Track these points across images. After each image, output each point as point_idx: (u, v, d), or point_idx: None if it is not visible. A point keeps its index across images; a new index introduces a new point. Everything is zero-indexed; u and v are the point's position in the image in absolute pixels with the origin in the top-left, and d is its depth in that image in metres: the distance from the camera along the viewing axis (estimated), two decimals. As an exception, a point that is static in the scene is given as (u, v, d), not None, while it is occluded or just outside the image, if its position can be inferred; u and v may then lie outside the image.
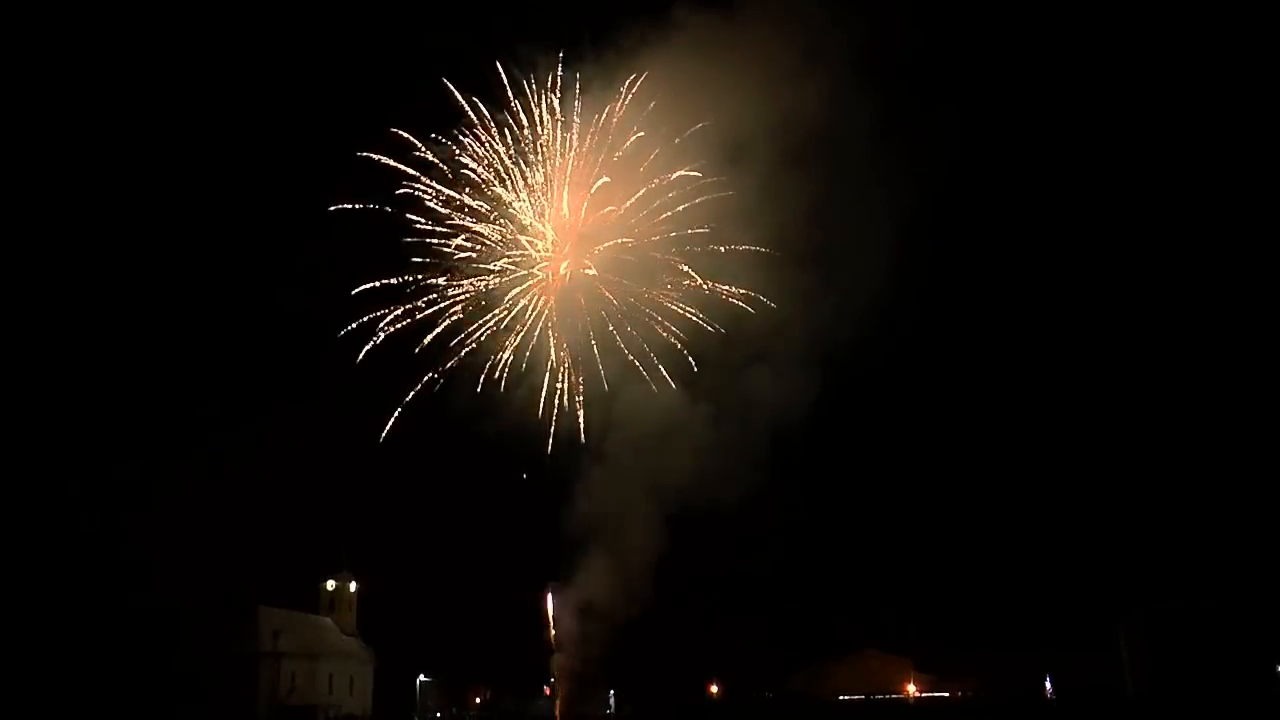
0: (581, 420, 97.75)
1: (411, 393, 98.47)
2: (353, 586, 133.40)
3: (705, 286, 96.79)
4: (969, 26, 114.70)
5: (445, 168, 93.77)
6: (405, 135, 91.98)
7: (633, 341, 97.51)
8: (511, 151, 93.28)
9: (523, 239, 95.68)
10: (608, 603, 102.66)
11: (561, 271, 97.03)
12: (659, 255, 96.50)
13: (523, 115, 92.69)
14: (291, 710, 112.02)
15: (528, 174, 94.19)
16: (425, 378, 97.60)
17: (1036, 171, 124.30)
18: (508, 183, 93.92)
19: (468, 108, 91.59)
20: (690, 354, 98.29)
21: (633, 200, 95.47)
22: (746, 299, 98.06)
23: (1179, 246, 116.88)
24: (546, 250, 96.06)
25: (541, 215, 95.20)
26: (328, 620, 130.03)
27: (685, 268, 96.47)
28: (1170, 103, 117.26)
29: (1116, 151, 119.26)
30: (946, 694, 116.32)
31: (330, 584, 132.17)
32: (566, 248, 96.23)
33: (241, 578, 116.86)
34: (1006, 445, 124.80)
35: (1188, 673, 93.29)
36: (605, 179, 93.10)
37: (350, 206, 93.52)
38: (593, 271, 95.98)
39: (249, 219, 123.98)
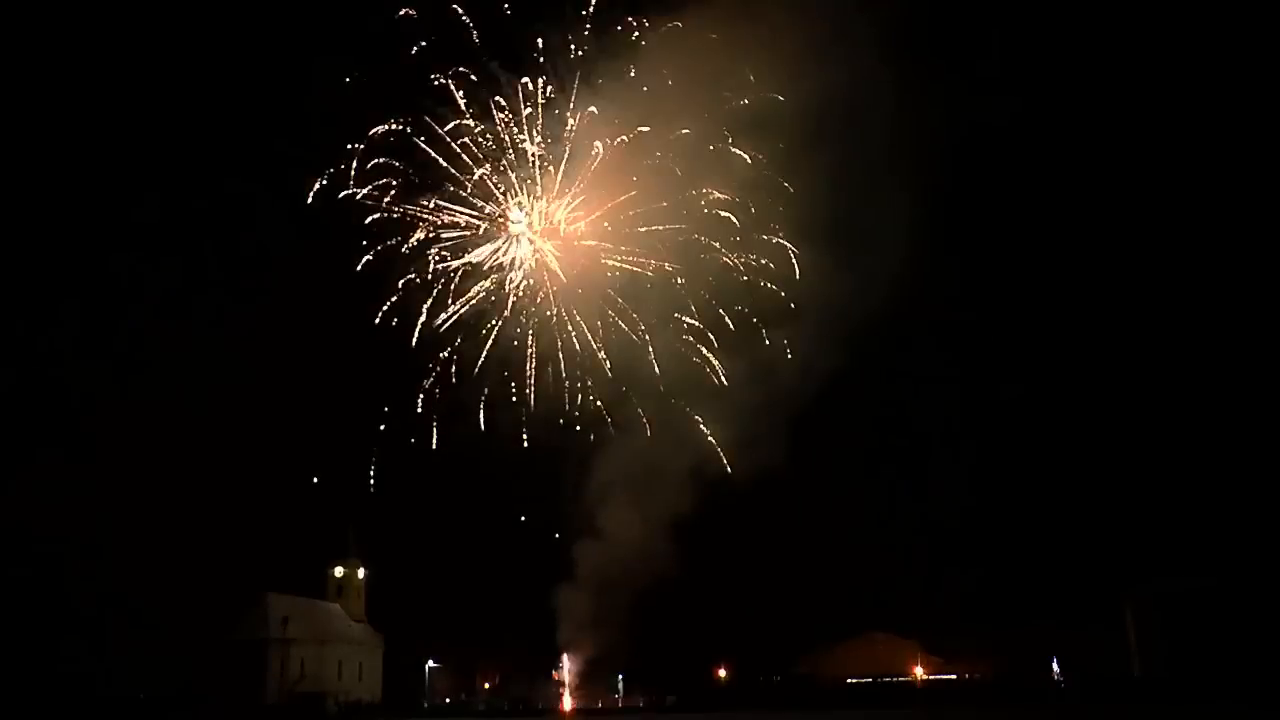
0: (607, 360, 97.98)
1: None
2: (361, 572, 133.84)
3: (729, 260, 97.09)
4: (994, 4, 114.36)
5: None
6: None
7: (654, 306, 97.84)
8: (536, 123, 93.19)
9: (531, 205, 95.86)
10: (629, 559, 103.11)
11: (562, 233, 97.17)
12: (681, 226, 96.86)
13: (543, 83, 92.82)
14: (301, 696, 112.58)
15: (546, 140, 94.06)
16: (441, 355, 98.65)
17: (1055, 152, 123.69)
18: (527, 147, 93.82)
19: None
20: (710, 322, 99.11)
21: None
22: (769, 271, 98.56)
23: (1195, 225, 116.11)
24: (551, 215, 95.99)
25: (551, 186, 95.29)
26: (336, 606, 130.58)
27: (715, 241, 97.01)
28: (1186, 84, 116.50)
29: (1137, 130, 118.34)
30: (954, 675, 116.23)
31: (338, 570, 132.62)
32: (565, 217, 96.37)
33: (250, 564, 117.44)
34: (1014, 424, 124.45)
35: (1194, 651, 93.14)
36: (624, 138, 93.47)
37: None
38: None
39: (257, 197, 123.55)
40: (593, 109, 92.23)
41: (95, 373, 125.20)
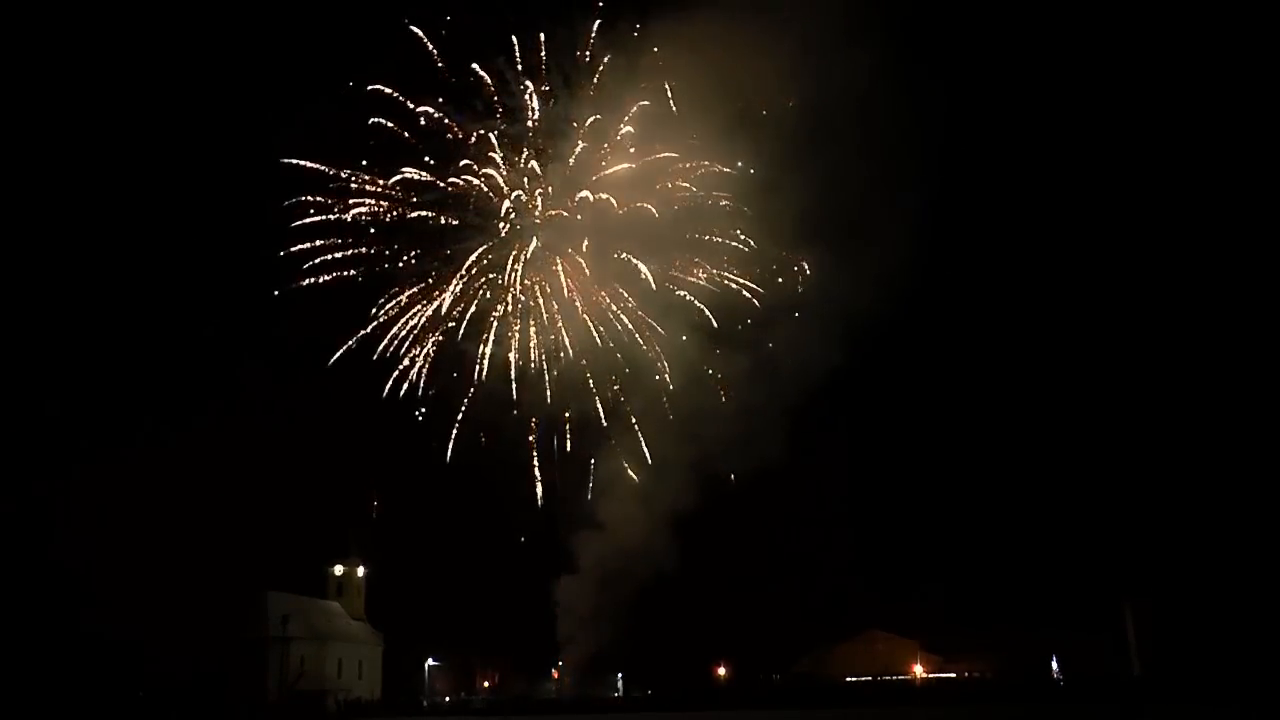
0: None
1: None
2: (360, 571, 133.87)
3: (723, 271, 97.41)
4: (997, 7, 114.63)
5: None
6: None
7: (657, 304, 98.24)
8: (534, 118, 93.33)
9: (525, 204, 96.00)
10: (630, 553, 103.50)
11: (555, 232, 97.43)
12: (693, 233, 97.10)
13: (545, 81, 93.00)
14: (301, 694, 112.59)
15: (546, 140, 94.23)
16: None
17: (1057, 152, 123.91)
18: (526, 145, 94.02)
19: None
20: (711, 320, 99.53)
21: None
22: (771, 270, 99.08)
23: (1197, 226, 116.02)
24: (555, 213, 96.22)
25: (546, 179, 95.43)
26: (336, 605, 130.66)
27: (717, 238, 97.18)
28: (1183, 82, 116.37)
29: (1136, 134, 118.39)
30: (953, 675, 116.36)
31: (338, 569, 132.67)
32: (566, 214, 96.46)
33: (250, 563, 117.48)
34: (1016, 425, 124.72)
35: (1193, 653, 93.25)
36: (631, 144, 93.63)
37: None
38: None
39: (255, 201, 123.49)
40: (598, 116, 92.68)
41: (94, 371, 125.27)
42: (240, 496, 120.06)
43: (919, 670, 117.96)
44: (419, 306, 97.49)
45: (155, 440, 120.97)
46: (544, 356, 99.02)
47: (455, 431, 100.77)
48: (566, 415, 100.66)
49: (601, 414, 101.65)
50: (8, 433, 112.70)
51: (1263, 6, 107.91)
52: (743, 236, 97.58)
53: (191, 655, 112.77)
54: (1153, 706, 75.84)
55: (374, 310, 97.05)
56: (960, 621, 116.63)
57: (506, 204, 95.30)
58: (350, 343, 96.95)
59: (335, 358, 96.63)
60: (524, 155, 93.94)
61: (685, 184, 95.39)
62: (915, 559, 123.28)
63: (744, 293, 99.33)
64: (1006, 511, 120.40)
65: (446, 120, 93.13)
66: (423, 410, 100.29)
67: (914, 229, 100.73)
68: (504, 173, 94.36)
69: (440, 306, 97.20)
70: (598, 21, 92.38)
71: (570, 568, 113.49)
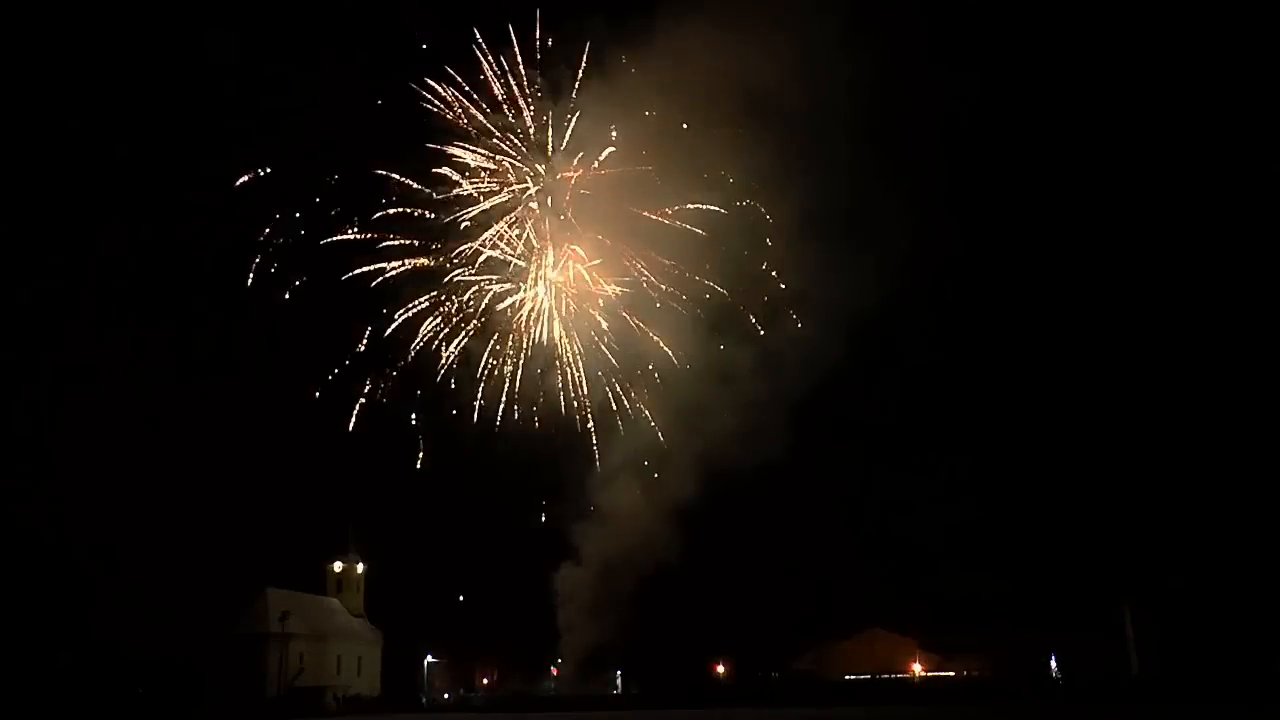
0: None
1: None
2: (360, 568, 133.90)
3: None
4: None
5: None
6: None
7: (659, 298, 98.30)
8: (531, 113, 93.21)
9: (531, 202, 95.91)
10: (631, 544, 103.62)
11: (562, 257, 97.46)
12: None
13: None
14: (300, 691, 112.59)
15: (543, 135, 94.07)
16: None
17: (1057, 147, 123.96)
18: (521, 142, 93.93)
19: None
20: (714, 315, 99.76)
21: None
22: (774, 265, 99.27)
23: (1199, 223, 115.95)
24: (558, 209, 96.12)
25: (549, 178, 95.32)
26: (335, 601, 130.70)
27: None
28: (1184, 80, 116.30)
29: (1137, 132, 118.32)
30: (952, 673, 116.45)
31: (337, 565, 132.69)
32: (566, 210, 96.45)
33: (249, 560, 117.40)
34: (1016, 423, 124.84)
35: (1191, 651, 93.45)
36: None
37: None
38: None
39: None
40: (614, 128, 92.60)
41: (92, 368, 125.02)
42: (240, 493, 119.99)
43: (918, 669, 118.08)
44: (415, 306, 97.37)
45: (155, 436, 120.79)
46: (547, 352, 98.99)
47: (454, 432, 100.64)
48: (571, 409, 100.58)
49: (606, 408, 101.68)
50: (6, 428, 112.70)
51: (1263, 6, 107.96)
52: (747, 236, 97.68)
53: (191, 651, 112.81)
54: (1152, 706, 76.05)
55: (379, 310, 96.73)
56: (959, 620, 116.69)
57: (511, 201, 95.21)
58: (360, 345, 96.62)
59: (325, 379, 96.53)
60: (524, 156, 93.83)
61: (690, 184, 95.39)
62: (915, 557, 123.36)
63: (746, 295, 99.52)
64: (1006, 510, 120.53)
65: (444, 122, 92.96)
66: (420, 415, 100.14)
67: (917, 225, 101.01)
68: (501, 172, 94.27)
69: (440, 308, 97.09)
70: (602, 22, 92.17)
71: (571, 556, 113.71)
